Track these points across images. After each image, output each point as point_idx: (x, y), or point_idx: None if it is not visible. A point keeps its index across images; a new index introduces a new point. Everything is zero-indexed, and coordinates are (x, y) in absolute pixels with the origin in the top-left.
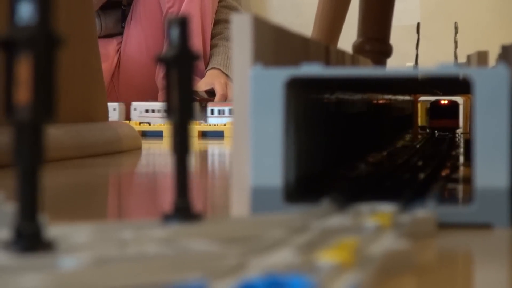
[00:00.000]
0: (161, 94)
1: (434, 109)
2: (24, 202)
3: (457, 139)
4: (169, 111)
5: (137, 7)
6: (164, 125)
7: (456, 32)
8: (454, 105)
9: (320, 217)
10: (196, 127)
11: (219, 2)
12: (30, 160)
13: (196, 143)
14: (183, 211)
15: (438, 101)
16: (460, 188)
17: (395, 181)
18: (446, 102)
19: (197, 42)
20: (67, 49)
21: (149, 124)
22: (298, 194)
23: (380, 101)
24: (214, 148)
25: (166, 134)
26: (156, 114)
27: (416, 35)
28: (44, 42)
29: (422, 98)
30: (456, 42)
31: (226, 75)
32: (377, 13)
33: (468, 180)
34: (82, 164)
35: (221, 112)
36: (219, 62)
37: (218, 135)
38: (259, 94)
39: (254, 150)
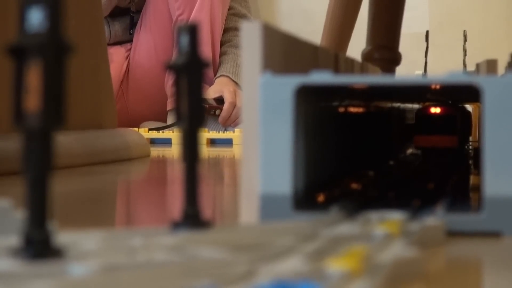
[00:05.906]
0: (170, 101)
1: (421, 120)
2: (33, 209)
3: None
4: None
5: (146, 14)
6: (173, 132)
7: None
8: (450, 116)
9: (329, 225)
10: (205, 134)
11: (228, 9)
12: (39, 167)
13: (205, 151)
14: (192, 218)
15: (426, 108)
16: (469, 196)
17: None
18: (438, 110)
19: (206, 50)
20: (76, 56)
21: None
22: (307, 202)
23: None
24: (223, 155)
25: (174, 142)
26: None
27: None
28: (54, 49)
29: None
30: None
31: (235, 82)
32: (386, 21)
33: (477, 188)
34: (91, 171)
35: None
36: (228, 70)
37: (227, 142)
38: (268, 101)
39: (263, 157)
